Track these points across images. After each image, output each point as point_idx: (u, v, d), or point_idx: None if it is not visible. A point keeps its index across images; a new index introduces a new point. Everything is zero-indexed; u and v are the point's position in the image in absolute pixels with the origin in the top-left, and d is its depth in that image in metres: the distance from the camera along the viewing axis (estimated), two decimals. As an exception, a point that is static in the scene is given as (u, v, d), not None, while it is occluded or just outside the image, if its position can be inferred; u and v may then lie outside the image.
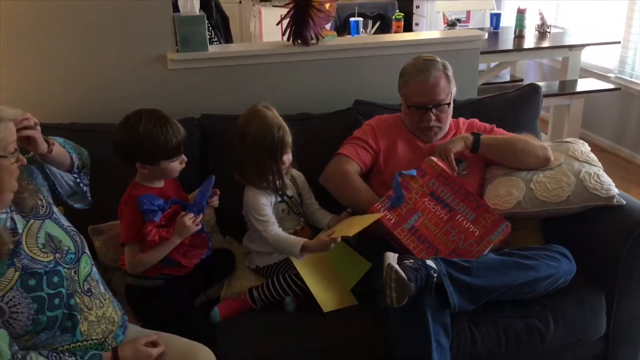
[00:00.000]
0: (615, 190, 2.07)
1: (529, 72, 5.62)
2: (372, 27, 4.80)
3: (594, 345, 2.08)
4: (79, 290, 1.56)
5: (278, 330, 1.90)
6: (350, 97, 2.52)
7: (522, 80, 5.07)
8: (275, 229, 2.02)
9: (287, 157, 2.05)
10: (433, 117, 2.16)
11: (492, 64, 4.93)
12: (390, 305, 1.71)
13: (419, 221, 2.01)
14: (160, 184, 1.92)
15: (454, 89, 2.20)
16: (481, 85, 4.44)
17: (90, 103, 2.35)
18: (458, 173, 2.12)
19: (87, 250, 1.65)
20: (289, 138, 2.01)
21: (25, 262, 1.46)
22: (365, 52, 2.61)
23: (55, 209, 1.66)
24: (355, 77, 2.60)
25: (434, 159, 2.09)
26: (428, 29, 5.60)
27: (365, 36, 4.07)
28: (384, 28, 4.92)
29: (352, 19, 4.31)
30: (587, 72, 4.72)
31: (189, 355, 1.64)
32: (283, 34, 2.55)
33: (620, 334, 2.09)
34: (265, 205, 2.04)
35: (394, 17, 4.24)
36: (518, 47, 4.26)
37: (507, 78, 5.12)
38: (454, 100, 2.47)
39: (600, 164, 2.18)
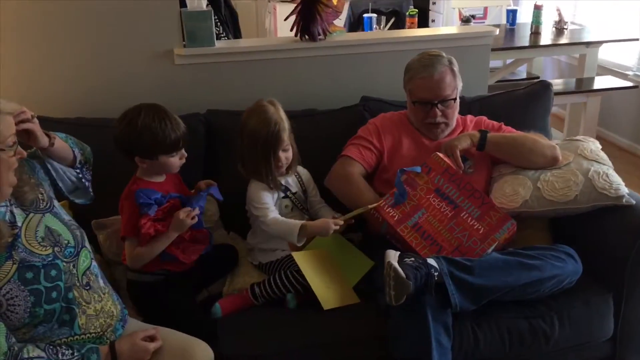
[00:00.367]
0: (624, 190, 2.03)
1: (546, 69, 5.54)
2: (387, 23, 4.77)
3: (600, 347, 2.04)
4: (78, 283, 1.56)
5: (278, 326, 1.89)
6: (358, 93, 2.50)
7: (538, 77, 4.99)
8: (274, 215, 2.02)
9: (285, 155, 2.03)
10: (439, 113, 2.14)
11: (508, 61, 4.86)
12: (389, 304, 1.69)
13: (422, 218, 1.98)
14: (160, 178, 1.92)
15: (460, 85, 2.17)
16: (496, 82, 4.39)
17: (98, 98, 2.37)
18: (464, 171, 2.10)
19: (87, 245, 1.66)
20: (284, 135, 1.99)
21: (23, 255, 1.47)
22: (373, 48, 2.59)
23: (56, 203, 1.66)
24: (363, 73, 2.58)
25: (440, 155, 2.06)
26: (444, 26, 5.55)
27: (373, 32, 4.04)
28: (399, 24, 4.88)
29: (365, 15, 4.28)
30: (605, 70, 4.63)
31: (187, 350, 1.64)
32: (291, 30, 2.53)
33: (628, 336, 2.05)
34: (266, 197, 2.04)
35: (407, 13, 4.20)
36: (534, 43, 4.20)
37: (524, 75, 5.06)
38: (463, 97, 2.46)
39: (610, 163, 2.14)
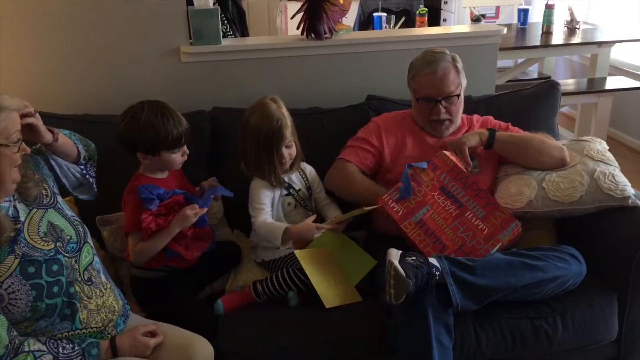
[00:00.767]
0: (630, 191, 2.00)
1: (558, 69, 5.50)
2: (397, 22, 4.76)
3: (604, 349, 2.02)
4: (79, 279, 1.58)
5: (279, 324, 1.89)
6: (364, 92, 2.50)
7: (549, 77, 4.96)
8: (264, 217, 2.03)
9: (288, 152, 2.04)
10: (443, 110, 2.13)
11: (519, 60, 4.83)
12: (389, 302, 1.69)
13: (427, 215, 1.98)
14: (163, 175, 1.93)
15: (464, 82, 2.16)
16: (507, 82, 4.37)
17: (104, 95, 2.38)
18: (470, 170, 2.09)
19: (89, 240, 1.68)
20: (286, 131, 2.00)
21: (25, 250, 1.48)
22: (379, 46, 2.58)
23: (60, 199, 1.68)
24: (369, 72, 2.58)
25: (447, 153, 2.05)
26: (455, 25, 5.53)
27: (379, 31, 4.03)
28: (409, 23, 4.86)
29: (375, 14, 4.28)
30: (617, 70, 4.59)
31: (187, 345, 1.66)
32: (297, 28, 2.54)
33: (633, 338, 2.02)
34: (265, 196, 2.04)
35: (417, 12, 4.19)
36: (545, 43, 4.16)
37: (535, 75, 5.02)
38: (469, 97, 2.45)
39: (616, 164, 2.12)
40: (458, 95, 2.14)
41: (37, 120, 1.56)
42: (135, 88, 2.35)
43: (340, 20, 2.57)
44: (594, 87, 4.04)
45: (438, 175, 2.03)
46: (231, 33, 2.99)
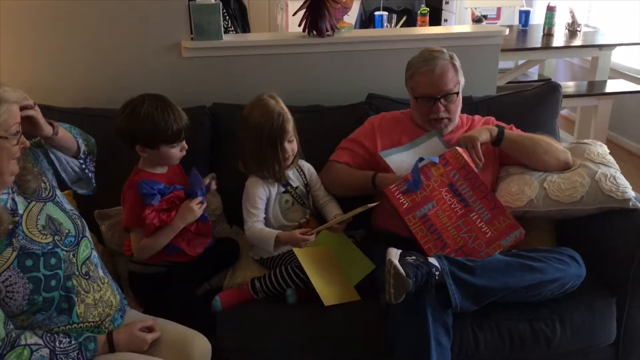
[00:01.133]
0: (631, 193, 2.00)
1: (559, 71, 5.49)
2: (398, 21, 4.75)
3: (603, 352, 2.02)
4: (77, 273, 1.57)
5: (277, 321, 1.89)
6: (364, 90, 2.49)
7: (549, 79, 4.95)
8: (256, 224, 2.03)
9: (291, 147, 2.03)
10: (442, 108, 2.12)
11: (520, 62, 4.83)
12: (388, 301, 1.68)
13: (432, 211, 1.97)
14: (162, 170, 1.92)
15: (462, 80, 2.15)
16: (507, 83, 4.36)
17: (105, 90, 2.37)
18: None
19: (88, 235, 1.67)
20: (288, 126, 1.99)
21: (23, 243, 1.47)
22: (380, 45, 2.57)
23: (58, 192, 1.67)
24: (370, 71, 2.57)
25: (460, 150, 2.04)
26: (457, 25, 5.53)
27: (381, 29, 4.02)
28: (410, 23, 4.85)
29: (377, 12, 4.26)
30: (617, 73, 4.59)
31: (185, 341, 1.65)
32: (299, 25, 2.53)
33: (631, 341, 2.02)
34: (260, 199, 2.04)
35: (419, 11, 4.18)
36: (546, 45, 4.16)
37: (535, 77, 5.01)
38: (470, 97, 2.44)
39: (617, 166, 2.11)
40: (457, 93, 2.13)
41: (37, 113, 1.55)
42: (135, 82, 2.33)
43: (342, 17, 2.56)
44: (594, 90, 4.03)
45: (449, 171, 2.01)
46: (232, 29, 2.98)
